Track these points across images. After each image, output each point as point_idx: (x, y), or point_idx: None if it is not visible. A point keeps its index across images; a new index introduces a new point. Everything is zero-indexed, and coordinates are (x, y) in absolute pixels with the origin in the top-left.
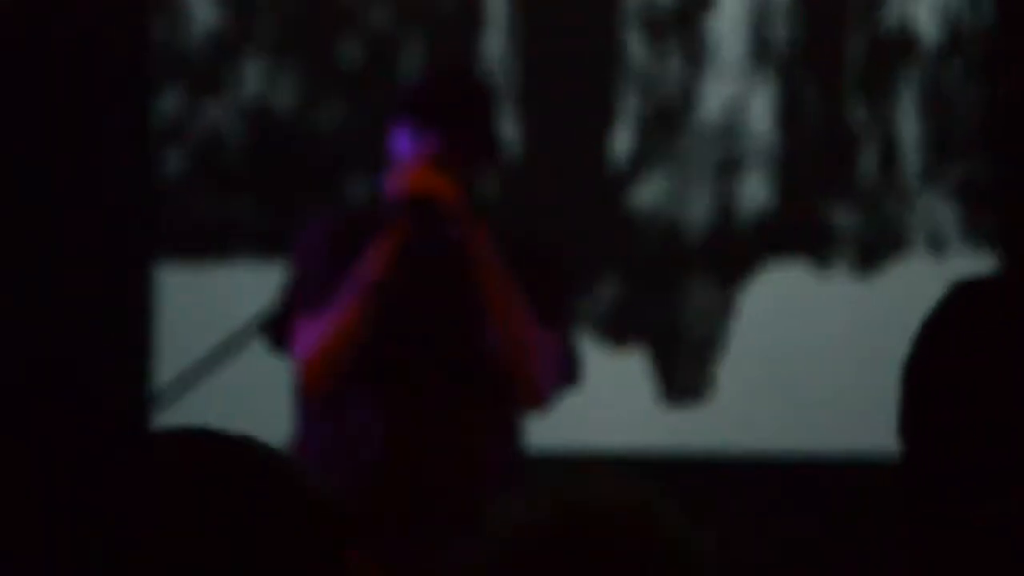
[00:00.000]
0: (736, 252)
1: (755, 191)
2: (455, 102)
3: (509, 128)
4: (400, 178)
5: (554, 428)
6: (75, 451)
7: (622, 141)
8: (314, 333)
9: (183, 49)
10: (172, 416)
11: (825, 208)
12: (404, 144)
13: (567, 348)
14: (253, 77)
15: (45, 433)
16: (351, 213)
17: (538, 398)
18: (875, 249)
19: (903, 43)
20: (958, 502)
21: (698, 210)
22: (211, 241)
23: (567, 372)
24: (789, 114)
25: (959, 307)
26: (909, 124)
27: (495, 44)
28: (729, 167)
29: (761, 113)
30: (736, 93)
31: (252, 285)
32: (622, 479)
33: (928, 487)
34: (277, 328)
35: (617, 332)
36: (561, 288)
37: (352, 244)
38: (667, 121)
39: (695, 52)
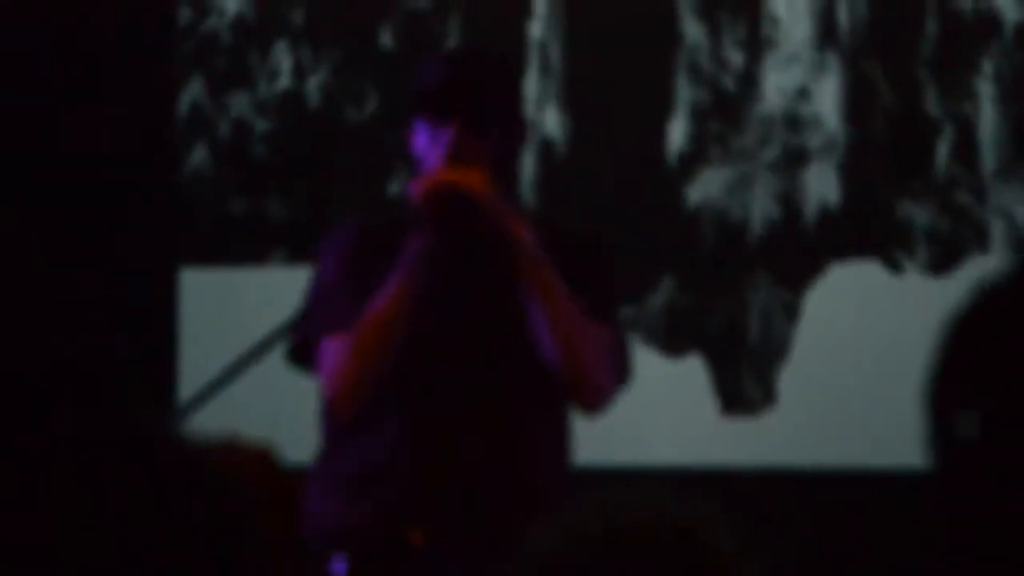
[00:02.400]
0: (801, 251)
1: (821, 185)
2: (466, 89)
3: (555, 120)
4: (423, 180)
5: (605, 443)
6: (97, 457)
7: (678, 133)
8: (340, 352)
9: (209, 38)
10: (197, 423)
11: (897, 203)
12: (423, 144)
13: (619, 343)
14: (284, 67)
15: (68, 439)
16: (377, 219)
17: (597, 398)
18: (951, 247)
19: (980, 26)
20: (992, 514)
21: (760, 206)
22: (239, 241)
23: (619, 370)
24: (857, 103)
25: (987, 311)
26: (987, 113)
27: (540, 30)
28: (794, 160)
29: (827, 102)
30: (800, 81)
31: (282, 288)
32: (670, 497)
33: (961, 502)
34: (299, 345)
35: (674, 338)
36: (609, 278)
37: (378, 253)
38: (727, 112)
39: (756, 37)
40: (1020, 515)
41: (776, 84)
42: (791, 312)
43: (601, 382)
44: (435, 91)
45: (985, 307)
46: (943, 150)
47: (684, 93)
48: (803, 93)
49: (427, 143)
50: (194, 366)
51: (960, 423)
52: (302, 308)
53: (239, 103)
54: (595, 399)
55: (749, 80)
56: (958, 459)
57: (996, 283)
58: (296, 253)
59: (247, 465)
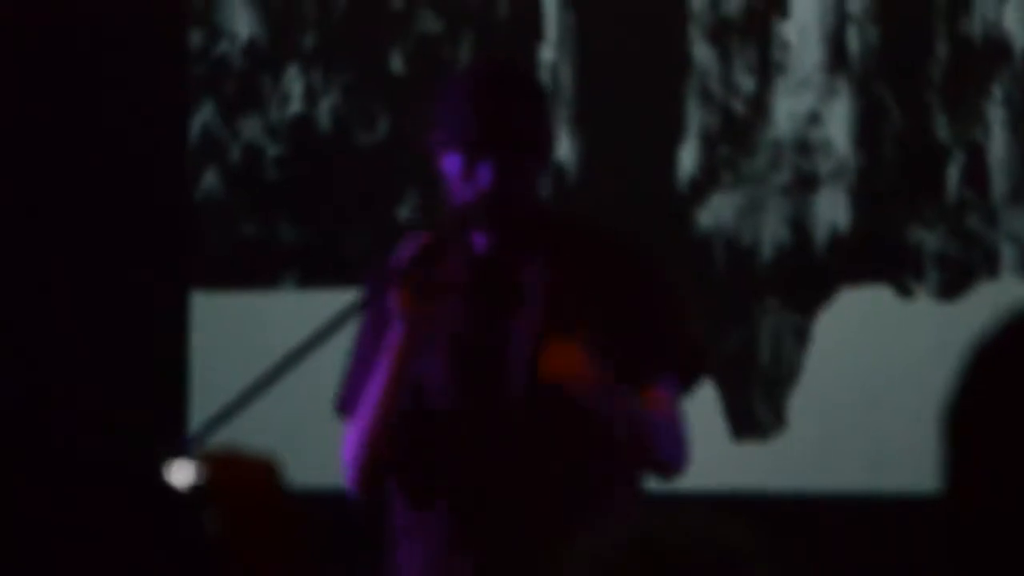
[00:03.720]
0: (812, 275)
1: (832, 210)
2: (502, 124)
3: (566, 144)
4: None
5: None
6: (109, 487)
7: (689, 158)
8: (351, 444)
9: (221, 62)
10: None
11: (907, 228)
12: (455, 174)
13: (691, 344)
14: (295, 91)
15: (77, 464)
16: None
17: (671, 472)
18: (961, 272)
19: (991, 50)
20: (1007, 542)
21: (771, 231)
22: (250, 266)
23: (695, 372)
24: (868, 128)
25: (1011, 339)
26: (997, 138)
27: (551, 54)
28: (804, 185)
29: (838, 127)
30: (811, 106)
31: (293, 311)
32: (706, 517)
33: (975, 531)
34: (346, 394)
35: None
36: (663, 281)
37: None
38: (737, 136)
39: (767, 62)
40: None
41: (786, 109)
42: (801, 336)
43: (675, 460)
44: (469, 128)
45: (1009, 335)
46: (953, 175)
47: (694, 117)
48: (813, 118)
49: (460, 175)
50: (205, 389)
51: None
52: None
53: (250, 127)
54: (670, 473)
55: (759, 105)
56: (975, 485)
57: (1021, 312)
58: (307, 277)
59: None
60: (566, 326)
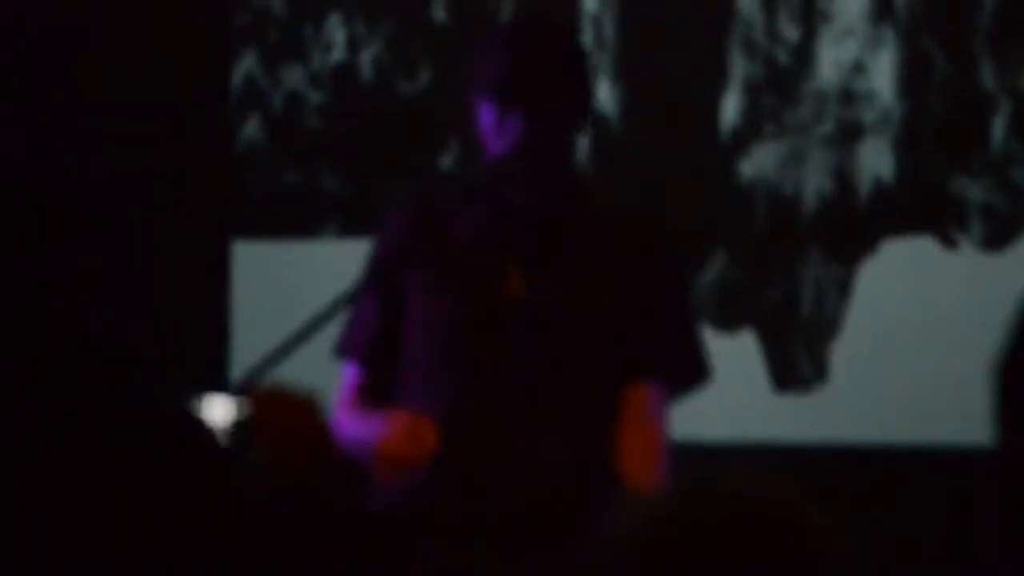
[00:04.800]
0: (855, 227)
1: (876, 161)
2: (534, 76)
3: (606, 93)
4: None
5: None
6: (149, 430)
7: (732, 108)
8: (346, 425)
9: (263, 11)
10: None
11: (951, 179)
12: (489, 125)
13: (691, 348)
14: (337, 40)
15: (119, 411)
16: (431, 197)
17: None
18: (1006, 223)
19: None
20: None
21: (814, 182)
22: (292, 215)
23: (693, 381)
24: (913, 78)
25: None
26: None
27: (594, 4)
28: (848, 135)
29: (883, 77)
30: (856, 55)
31: (334, 260)
32: (760, 474)
33: None
34: (348, 337)
35: (725, 314)
36: (676, 277)
37: (429, 236)
38: (781, 86)
39: (811, 11)
40: None
41: (831, 58)
42: (844, 288)
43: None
44: (502, 77)
45: None
46: (999, 125)
47: (738, 67)
48: (858, 67)
49: (493, 126)
50: (247, 337)
51: None
52: (354, 288)
53: (292, 76)
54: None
55: (803, 54)
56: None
57: None
58: (348, 226)
59: (291, 414)
60: (586, 293)
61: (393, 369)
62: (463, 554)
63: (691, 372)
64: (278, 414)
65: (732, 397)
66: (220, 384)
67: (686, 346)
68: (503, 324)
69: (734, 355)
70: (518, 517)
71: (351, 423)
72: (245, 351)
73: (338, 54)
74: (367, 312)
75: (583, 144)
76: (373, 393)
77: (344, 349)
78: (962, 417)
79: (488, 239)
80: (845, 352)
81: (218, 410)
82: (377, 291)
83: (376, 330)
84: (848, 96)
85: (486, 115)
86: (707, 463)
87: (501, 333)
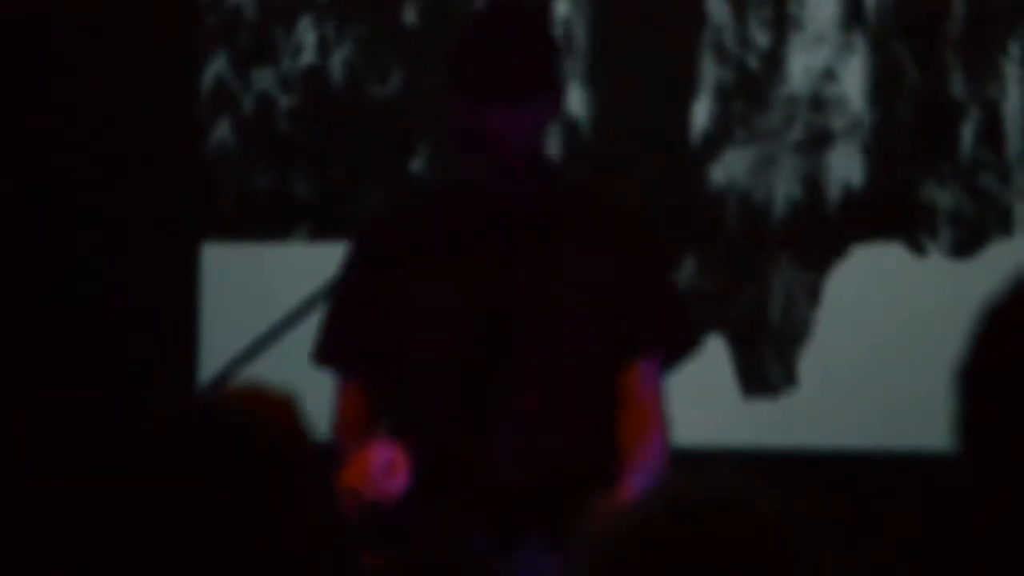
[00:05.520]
0: (825, 233)
1: (845, 167)
2: (502, 66)
3: (578, 98)
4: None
5: None
6: (121, 429)
7: (703, 113)
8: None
9: (233, 13)
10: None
11: (921, 186)
12: (461, 117)
13: (683, 319)
14: (308, 43)
15: (92, 411)
16: (405, 200)
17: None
18: (975, 230)
19: (1008, 8)
20: (1019, 502)
21: (784, 188)
22: (262, 218)
23: (685, 347)
24: (883, 84)
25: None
26: (1013, 96)
27: (565, 8)
28: (818, 141)
29: (853, 83)
30: (826, 62)
31: (304, 264)
32: (739, 477)
33: (989, 486)
34: (325, 340)
35: (695, 319)
36: (655, 252)
37: (403, 237)
38: (751, 92)
39: (782, 17)
40: None
41: (801, 64)
42: (813, 294)
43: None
44: (470, 70)
45: (1021, 296)
46: (968, 133)
47: (709, 73)
48: (828, 74)
49: (464, 119)
50: (215, 341)
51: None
52: (328, 289)
53: (263, 78)
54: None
55: (774, 60)
56: (987, 443)
57: None
58: (319, 229)
59: (269, 413)
60: (565, 286)
61: (383, 369)
62: (455, 543)
63: (681, 342)
64: (256, 412)
65: (701, 403)
66: (190, 386)
67: (674, 316)
68: (491, 317)
69: (704, 360)
70: (514, 508)
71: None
72: (215, 354)
73: (309, 57)
74: (351, 314)
75: (554, 149)
76: (368, 397)
77: (329, 355)
78: (932, 423)
79: (469, 233)
80: (814, 358)
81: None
82: (360, 293)
83: (363, 331)
84: (818, 102)
85: (458, 108)
86: (676, 469)
87: (490, 326)
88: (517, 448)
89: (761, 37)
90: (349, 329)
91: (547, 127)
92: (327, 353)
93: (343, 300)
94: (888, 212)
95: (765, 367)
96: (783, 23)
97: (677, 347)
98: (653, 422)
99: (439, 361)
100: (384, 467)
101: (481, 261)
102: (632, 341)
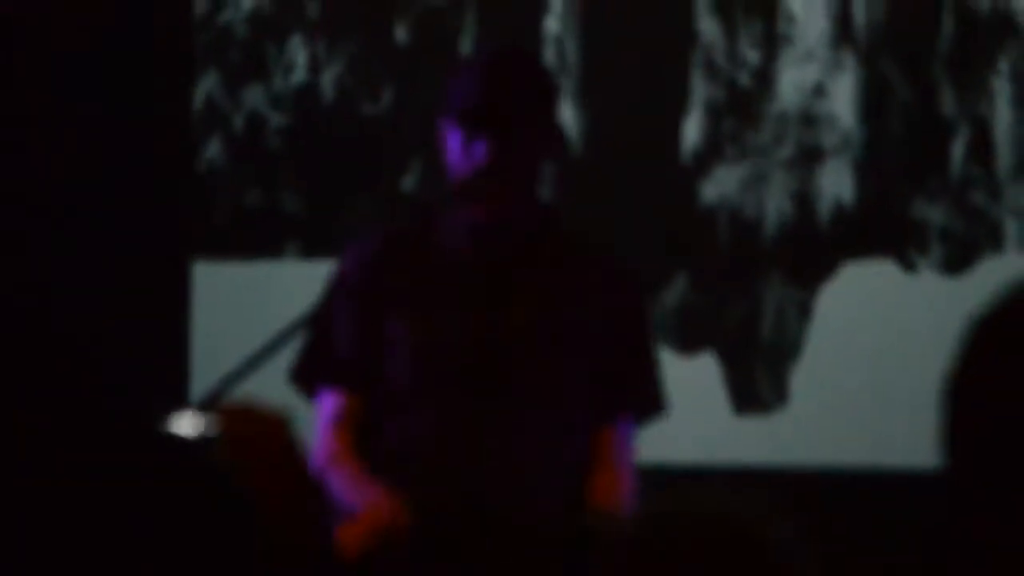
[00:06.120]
0: (815, 249)
1: (836, 184)
2: (504, 104)
3: (569, 115)
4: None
5: None
6: (108, 448)
7: (694, 130)
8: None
9: (225, 31)
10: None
11: (911, 202)
12: (455, 151)
13: (654, 381)
14: (299, 61)
15: (78, 429)
16: (399, 227)
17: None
18: (965, 247)
19: (997, 25)
20: (1007, 519)
21: (775, 204)
22: (253, 235)
23: (658, 406)
24: (873, 101)
25: (1010, 314)
26: (1003, 113)
27: (556, 26)
28: (808, 158)
29: (843, 100)
30: (816, 79)
31: (296, 281)
32: (728, 493)
33: (975, 501)
34: (302, 368)
35: (686, 336)
36: (642, 308)
37: (397, 264)
38: (742, 109)
39: (772, 35)
40: None
41: (792, 81)
42: (804, 311)
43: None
44: (472, 103)
45: (1009, 310)
46: (958, 149)
47: (700, 90)
48: (819, 91)
49: (460, 152)
50: (207, 358)
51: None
52: (316, 310)
53: (254, 96)
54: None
55: (765, 77)
56: (973, 458)
57: (1019, 287)
58: (310, 247)
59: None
60: (560, 319)
61: (369, 391)
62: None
63: (654, 404)
64: (249, 431)
65: (693, 420)
66: (180, 405)
67: (650, 378)
68: (477, 348)
69: (695, 377)
70: (496, 543)
71: (339, 477)
72: (205, 372)
73: (300, 75)
74: (339, 336)
75: (546, 166)
76: (354, 418)
77: (317, 376)
78: (922, 440)
79: (457, 262)
80: (806, 375)
81: (186, 427)
82: (347, 316)
83: (352, 354)
84: (809, 119)
85: (453, 139)
86: (668, 486)
87: (475, 357)
88: (508, 483)
89: (751, 54)
90: (342, 352)
91: (541, 166)
92: (320, 373)
93: (332, 323)
94: (879, 229)
95: (756, 384)
96: (773, 40)
97: (649, 411)
98: (626, 490)
99: (423, 394)
100: (387, 527)
101: (471, 298)
102: (609, 405)
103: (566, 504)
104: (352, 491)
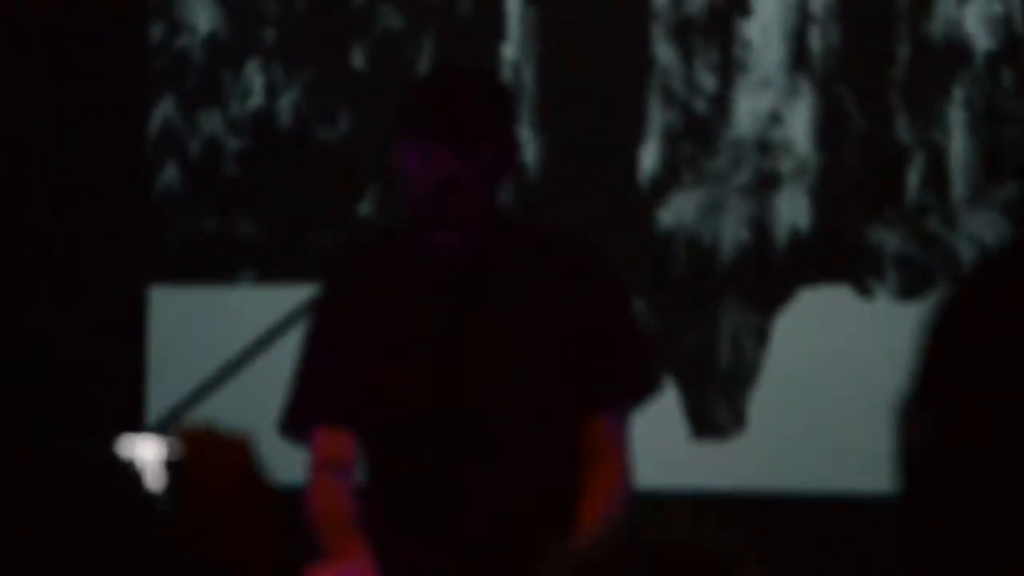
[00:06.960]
0: (772, 275)
1: (792, 210)
2: (459, 112)
3: (527, 141)
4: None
5: None
6: (65, 475)
7: (650, 156)
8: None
9: (181, 56)
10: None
11: (867, 229)
12: (413, 164)
13: (646, 361)
14: (255, 86)
15: (39, 455)
16: (372, 252)
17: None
18: (921, 273)
19: (951, 53)
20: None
21: (731, 230)
22: (209, 261)
23: (649, 385)
24: (829, 128)
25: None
26: (957, 140)
27: (513, 52)
28: (765, 184)
29: (799, 127)
30: (772, 105)
31: (251, 307)
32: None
33: (928, 524)
34: (292, 418)
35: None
36: (617, 291)
37: (377, 290)
38: (699, 135)
39: (729, 61)
40: (981, 530)
41: (748, 108)
42: (761, 336)
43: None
44: (427, 113)
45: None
46: (914, 176)
47: (656, 116)
48: (775, 117)
49: (417, 164)
50: (162, 383)
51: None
52: (277, 329)
53: (210, 121)
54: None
55: (721, 104)
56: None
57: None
58: (266, 272)
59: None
60: (526, 334)
61: (354, 426)
62: None
63: (644, 385)
64: (210, 453)
65: (650, 445)
66: (136, 428)
67: (637, 362)
68: (451, 373)
69: (652, 403)
70: (479, 566)
71: (324, 528)
72: (161, 396)
73: (257, 100)
74: (321, 380)
75: (503, 191)
76: (348, 453)
77: (307, 420)
78: (878, 465)
79: (423, 286)
80: (762, 400)
81: (145, 451)
82: (323, 362)
83: (335, 392)
84: (765, 146)
85: (412, 155)
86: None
87: (451, 383)
88: (488, 509)
89: (708, 80)
90: (327, 394)
91: (500, 179)
92: (290, 426)
93: (307, 369)
94: (835, 255)
95: (714, 409)
96: (729, 67)
97: (640, 391)
98: (618, 476)
99: (402, 431)
100: None
101: (441, 324)
102: (596, 396)
103: (550, 531)
104: (334, 545)
